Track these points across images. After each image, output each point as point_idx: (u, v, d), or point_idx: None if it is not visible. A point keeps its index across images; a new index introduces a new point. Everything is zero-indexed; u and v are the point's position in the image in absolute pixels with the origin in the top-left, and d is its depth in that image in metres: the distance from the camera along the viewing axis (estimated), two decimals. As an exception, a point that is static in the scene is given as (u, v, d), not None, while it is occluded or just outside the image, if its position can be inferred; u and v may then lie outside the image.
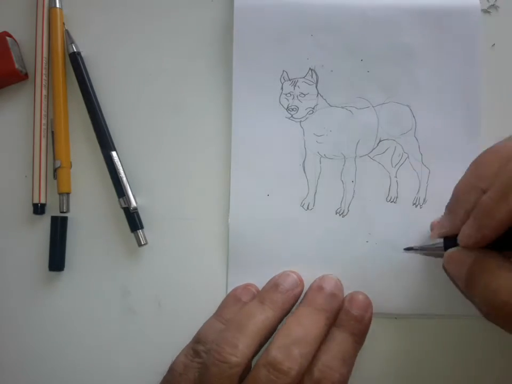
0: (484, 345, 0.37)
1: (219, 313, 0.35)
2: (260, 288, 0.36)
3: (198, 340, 0.33)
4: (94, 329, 0.37)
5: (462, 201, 0.30)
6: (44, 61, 0.39)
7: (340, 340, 0.32)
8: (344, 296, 0.35)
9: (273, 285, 0.35)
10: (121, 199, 0.37)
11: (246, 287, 0.36)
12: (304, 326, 0.32)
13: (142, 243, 0.37)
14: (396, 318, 0.37)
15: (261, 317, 0.32)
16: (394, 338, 0.37)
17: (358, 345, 0.33)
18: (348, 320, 0.33)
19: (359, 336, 0.33)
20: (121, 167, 0.38)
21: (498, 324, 0.28)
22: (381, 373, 0.36)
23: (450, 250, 0.30)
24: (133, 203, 0.37)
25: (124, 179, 0.38)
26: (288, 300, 0.34)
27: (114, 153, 0.38)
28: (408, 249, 0.35)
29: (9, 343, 0.37)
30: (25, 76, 0.40)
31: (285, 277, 0.35)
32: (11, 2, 0.40)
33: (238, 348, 0.30)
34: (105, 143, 0.38)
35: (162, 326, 0.37)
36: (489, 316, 0.28)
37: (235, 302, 0.35)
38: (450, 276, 0.31)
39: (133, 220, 0.37)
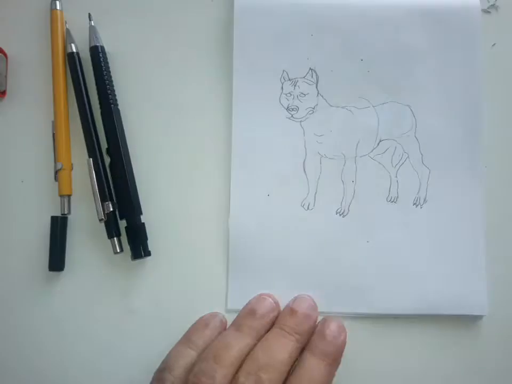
0: (484, 346, 0.36)
1: (187, 339, 0.34)
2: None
3: (164, 368, 0.33)
4: (94, 329, 0.37)
5: None
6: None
7: (311, 365, 0.32)
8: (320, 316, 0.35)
9: (249, 310, 0.34)
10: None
11: (212, 313, 0.36)
12: (272, 351, 0.32)
13: (117, 250, 0.37)
14: (395, 318, 0.37)
15: (237, 346, 0.32)
16: (394, 338, 0.37)
17: (331, 368, 0.33)
18: (319, 343, 0.33)
19: (332, 359, 0.33)
20: (94, 174, 0.37)
21: None
22: (381, 373, 0.36)
23: None
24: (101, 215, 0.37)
25: (96, 188, 0.37)
26: (264, 325, 0.34)
27: (91, 160, 0.38)
28: None
29: (9, 343, 0.37)
30: (1, 94, 0.39)
31: (261, 302, 0.35)
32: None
33: (215, 379, 0.30)
34: (91, 147, 0.38)
35: (162, 326, 0.37)
36: None
37: (203, 328, 0.34)
38: None
39: (110, 227, 0.37)
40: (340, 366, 0.33)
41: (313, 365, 0.32)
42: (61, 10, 0.40)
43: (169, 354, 0.34)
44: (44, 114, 0.39)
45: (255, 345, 0.33)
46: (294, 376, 0.32)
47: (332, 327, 0.34)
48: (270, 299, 0.35)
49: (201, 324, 0.35)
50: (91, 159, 0.38)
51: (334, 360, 0.33)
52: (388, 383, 0.36)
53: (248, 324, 0.33)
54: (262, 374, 0.30)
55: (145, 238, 0.37)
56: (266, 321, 0.34)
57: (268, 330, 0.34)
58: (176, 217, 0.38)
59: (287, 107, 0.38)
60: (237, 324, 0.34)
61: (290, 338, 0.33)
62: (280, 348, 0.32)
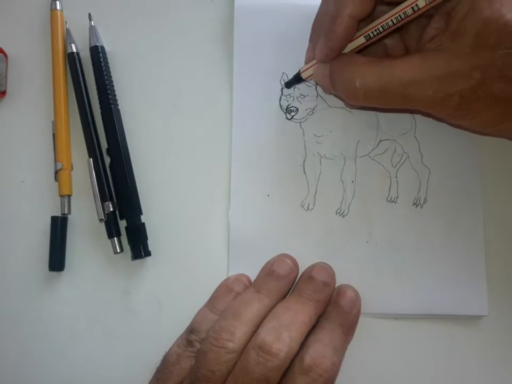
0: (484, 346, 0.37)
1: (212, 304, 0.35)
2: (253, 279, 0.36)
3: (191, 330, 0.34)
4: (94, 330, 0.37)
5: (318, 28, 0.35)
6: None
7: (329, 330, 0.33)
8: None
9: (269, 272, 0.35)
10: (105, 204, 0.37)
11: (237, 277, 0.36)
12: (292, 311, 0.32)
13: (118, 250, 0.37)
14: (396, 318, 0.37)
15: (257, 305, 0.33)
16: (394, 338, 0.37)
17: (347, 337, 0.34)
18: (336, 312, 0.34)
19: (348, 328, 0.34)
20: (94, 174, 0.38)
21: (357, 107, 0.37)
22: (381, 373, 0.36)
23: (316, 65, 0.35)
24: (100, 215, 0.37)
25: (96, 188, 0.37)
26: (283, 286, 0.35)
27: (91, 160, 0.38)
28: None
29: (9, 343, 0.37)
30: (1, 94, 0.39)
31: (280, 263, 0.35)
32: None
33: (235, 335, 0.31)
34: (91, 147, 0.38)
35: (163, 326, 0.37)
36: (349, 101, 0.34)
37: (227, 293, 0.35)
38: (322, 85, 0.36)
39: (109, 227, 0.37)
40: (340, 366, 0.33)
41: (332, 330, 0.33)
42: (61, 10, 0.40)
43: (194, 318, 0.35)
44: (44, 114, 0.39)
45: (274, 306, 0.33)
46: (315, 338, 0.32)
47: (347, 298, 0.34)
48: (289, 261, 0.36)
49: (224, 288, 0.35)
50: (91, 159, 0.38)
51: (349, 329, 0.34)
52: (388, 383, 0.36)
53: (267, 285, 0.34)
54: (283, 330, 0.31)
55: (145, 238, 0.37)
56: (285, 283, 0.35)
57: (287, 291, 0.35)
58: (176, 217, 0.38)
59: (287, 108, 0.39)
60: (256, 285, 0.35)
61: (310, 304, 0.33)
62: (301, 310, 0.33)
